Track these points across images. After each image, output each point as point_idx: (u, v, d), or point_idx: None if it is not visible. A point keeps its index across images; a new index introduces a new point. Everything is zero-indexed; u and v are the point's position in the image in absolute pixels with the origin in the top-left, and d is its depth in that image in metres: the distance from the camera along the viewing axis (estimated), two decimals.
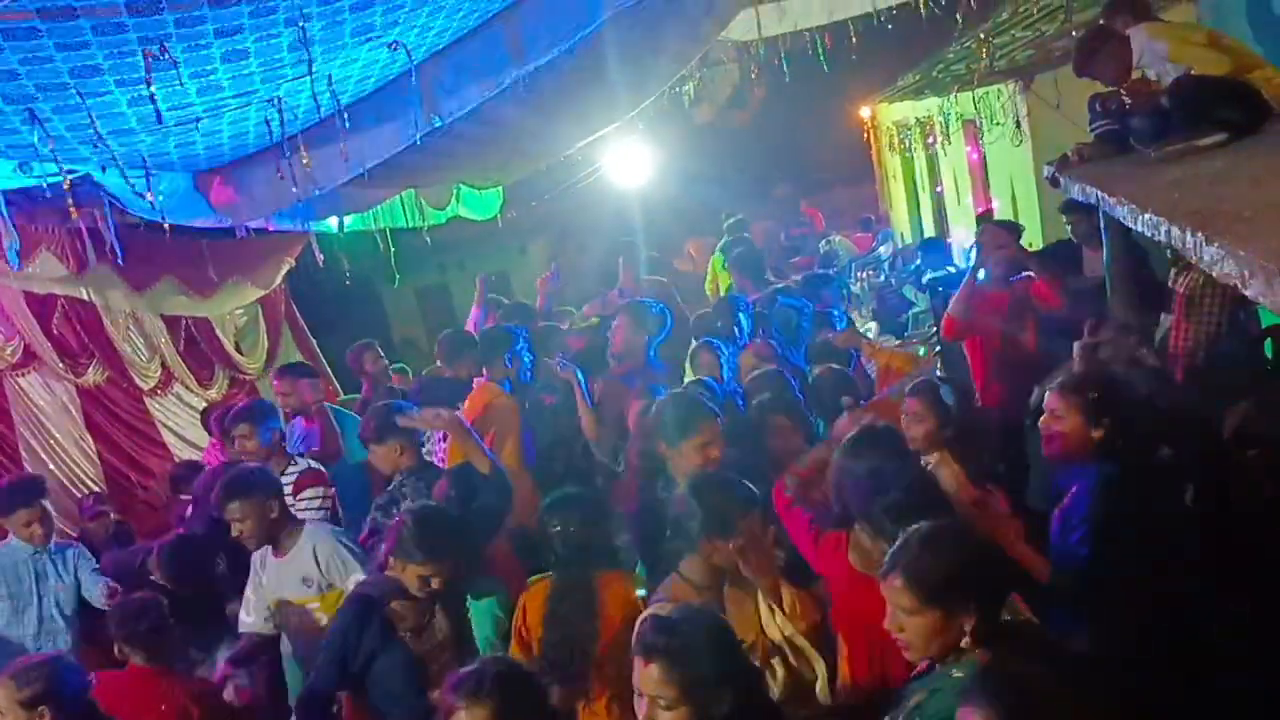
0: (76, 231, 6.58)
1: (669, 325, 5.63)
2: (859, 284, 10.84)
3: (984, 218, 8.88)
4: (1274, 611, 2.85)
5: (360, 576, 3.97)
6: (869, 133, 14.92)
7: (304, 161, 4.12)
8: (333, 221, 6.98)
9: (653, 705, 2.33)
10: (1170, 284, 3.81)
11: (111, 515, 6.48)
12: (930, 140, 11.84)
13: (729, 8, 4.99)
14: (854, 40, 6.30)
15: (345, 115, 3.91)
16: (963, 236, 10.65)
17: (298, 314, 11.00)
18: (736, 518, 3.01)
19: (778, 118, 13.40)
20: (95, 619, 4.72)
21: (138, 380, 8.66)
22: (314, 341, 10.97)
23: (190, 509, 5.52)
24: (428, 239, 8.16)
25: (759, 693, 2.48)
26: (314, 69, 3.31)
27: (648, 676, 2.32)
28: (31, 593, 4.77)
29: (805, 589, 3.09)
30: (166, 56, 2.86)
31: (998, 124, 9.00)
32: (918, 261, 10.29)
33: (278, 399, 6.38)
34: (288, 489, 4.83)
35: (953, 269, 9.20)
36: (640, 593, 3.52)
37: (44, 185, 3.78)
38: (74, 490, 7.91)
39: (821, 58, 6.58)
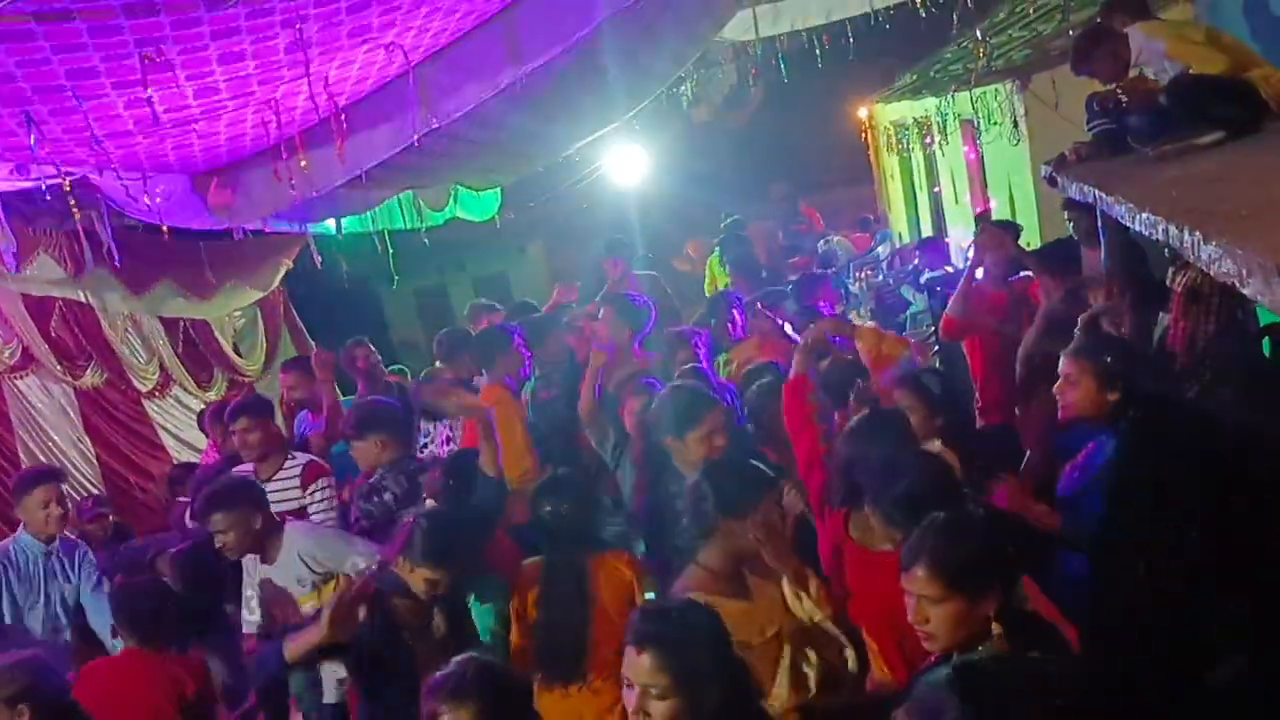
0: (74, 234, 6.57)
1: (653, 319, 5.64)
2: (857, 284, 10.82)
3: (982, 217, 8.87)
4: (1274, 611, 2.85)
5: (356, 554, 4.00)
6: (866, 133, 14.91)
7: (301, 163, 4.13)
8: (331, 223, 6.98)
9: (644, 695, 2.29)
10: (1168, 282, 3.80)
11: (110, 517, 6.46)
12: (928, 140, 11.82)
13: (726, 8, 5.00)
14: (851, 40, 6.30)
15: (343, 117, 3.91)
16: (960, 236, 10.65)
17: (296, 316, 10.99)
18: (752, 500, 3.00)
19: (775, 118, 13.43)
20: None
21: (136, 382, 8.65)
22: (313, 343, 10.95)
23: (189, 510, 5.51)
24: (426, 240, 8.14)
25: (748, 686, 2.47)
26: (311, 70, 3.31)
27: (640, 665, 2.30)
28: (40, 592, 4.71)
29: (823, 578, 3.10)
30: (163, 59, 2.86)
31: (995, 124, 8.99)
32: (916, 261, 10.29)
33: (283, 392, 6.38)
34: (295, 481, 4.85)
35: (951, 269, 9.21)
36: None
37: (42, 187, 3.78)
38: (72, 493, 7.89)
39: (818, 57, 6.58)
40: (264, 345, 10.36)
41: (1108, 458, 3.26)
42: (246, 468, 5.02)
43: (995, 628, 2.31)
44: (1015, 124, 8.58)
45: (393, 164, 4.47)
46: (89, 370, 8.27)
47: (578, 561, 3.48)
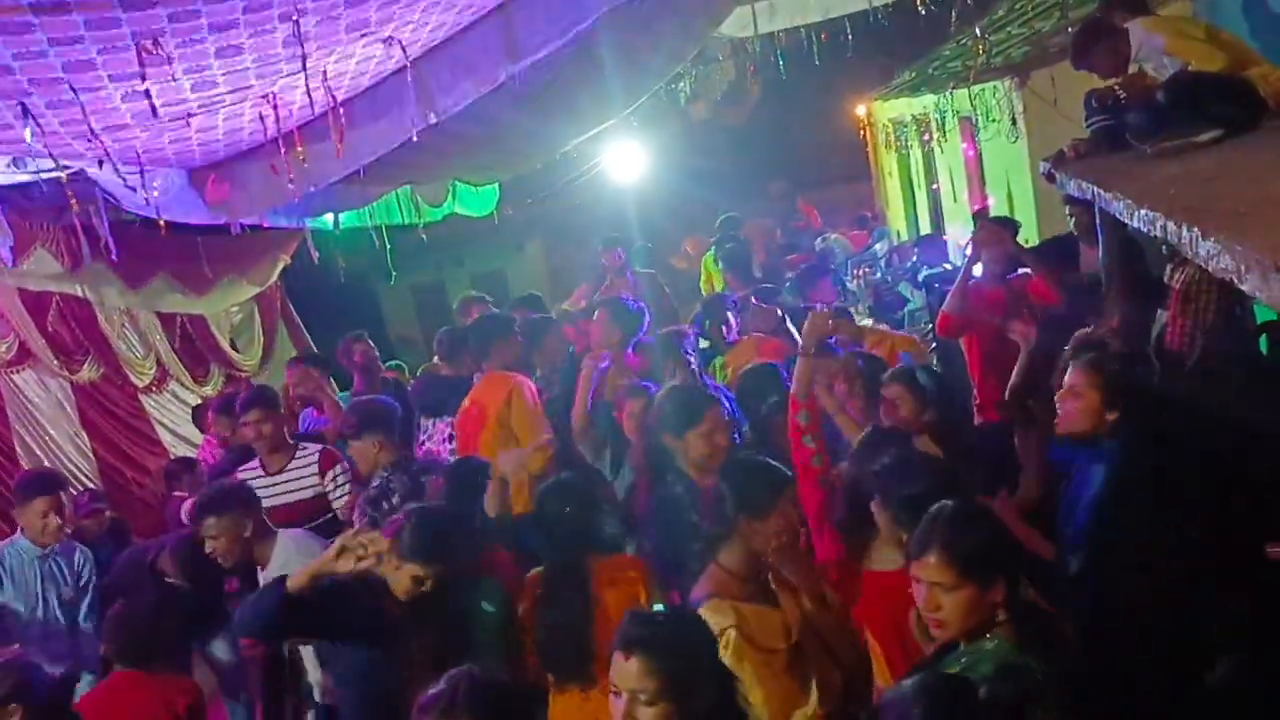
0: (71, 228, 6.55)
1: (646, 322, 5.64)
2: (855, 281, 10.83)
3: (980, 214, 8.87)
4: (1274, 611, 2.86)
5: None
6: (865, 130, 14.91)
7: (299, 158, 4.12)
8: (329, 218, 6.97)
9: (632, 702, 2.27)
10: (1166, 279, 3.81)
11: (107, 512, 6.44)
12: (926, 137, 11.83)
13: (724, 4, 4.99)
14: (850, 37, 6.30)
15: (340, 111, 3.90)
16: (959, 233, 10.65)
17: (293, 311, 10.99)
18: (770, 497, 2.99)
19: (774, 115, 13.44)
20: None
21: (133, 377, 8.64)
22: (310, 338, 10.95)
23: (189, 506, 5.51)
24: (424, 236, 8.14)
25: (735, 693, 2.44)
26: (308, 65, 3.30)
27: (628, 671, 2.28)
28: (37, 596, 4.69)
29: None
30: (160, 51, 2.85)
31: (994, 121, 8.99)
32: (914, 258, 10.30)
33: (289, 389, 6.38)
34: (313, 469, 4.91)
35: (949, 266, 9.21)
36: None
37: (39, 181, 3.77)
38: (69, 487, 7.89)
39: (817, 54, 6.58)
40: (261, 340, 10.36)
41: (1098, 488, 3.23)
42: (253, 463, 5.02)
43: (1001, 615, 2.32)
44: (1014, 121, 8.58)
45: (390, 159, 4.46)
46: (86, 365, 8.27)
47: (581, 563, 3.46)
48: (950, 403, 4.02)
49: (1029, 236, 7.41)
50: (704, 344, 6.00)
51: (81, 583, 4.81)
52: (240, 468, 5.07)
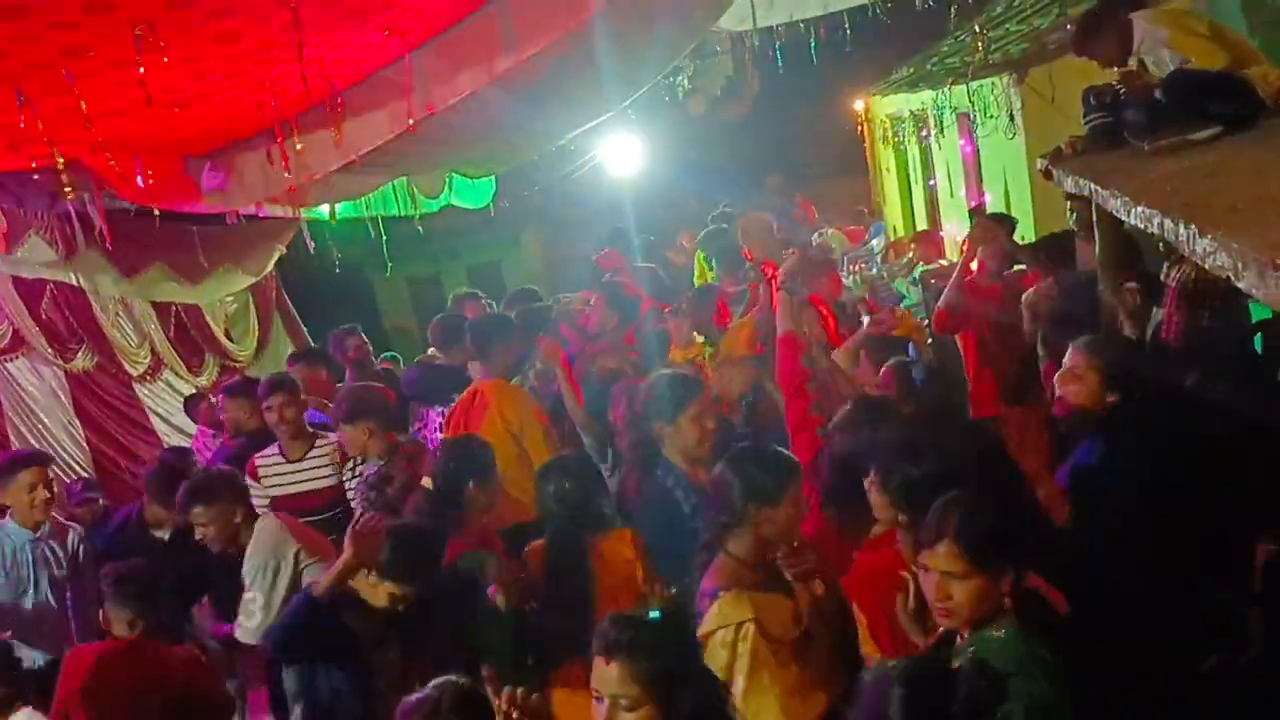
0: (65, 216, 6.51)
1: (639, 307, 5.63)
2: (851, 276, 10.83)
3: (977, 211, 8.87)
4: (1274, 612, 2.87)
5: None
6: (862, 125, 14.90)
7: (297, 146, 4.10)
8: (324, 208, 6.94)
9: (614, 707, 2.24)
10: (1163, 277, 3.81)
11: (100, 501, 6.45)
12: (924, 133, 11.83)
13: None
14: (848, 32, 6.29)
15: (338, 100, 3.89)
16: (955, 230, 10.66)
17: (288, 301, 10.96)
18: (780, 484, 2.97)
19: (771, 110, 13.39)
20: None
21: (127, 366, 8.63)
22: (305, 329, 10.93)
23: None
24: (420, 228, 8.10)
25: (718, 695, 2.42)
26: (305, 53, 3.28)
27: (608, 676, 2.24)
28: (30, 579, 4.64)
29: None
30: (157, 38, 2.84)
31: (991, 117, 8.98)
32: (910, 254, 10.29)
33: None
34: (334, 458, 4.88)
35: (945, 262, 9.21)
36: None
37: (34, 167, 3.75)
38: (63, 476, 7.88)
39: (815, 49, 6.57)
40: (256, 330, 10.34)
41: (1097, 459, 3.26)
42: (273, 449, 4.97)
43: (1007, 603, 2.33)
44: (1011, 118, 8.57)
45: (386, 149, 4.45)
46: (80, 353, 8.25)
47: (581, 538, 3.48)
48: (946, 397, 4.03)
49: (1025, 233, 7.42)
50: (697, 337, 6.00)
51: (78, 563, 4.74)
52: (259, 454, 4.97)
